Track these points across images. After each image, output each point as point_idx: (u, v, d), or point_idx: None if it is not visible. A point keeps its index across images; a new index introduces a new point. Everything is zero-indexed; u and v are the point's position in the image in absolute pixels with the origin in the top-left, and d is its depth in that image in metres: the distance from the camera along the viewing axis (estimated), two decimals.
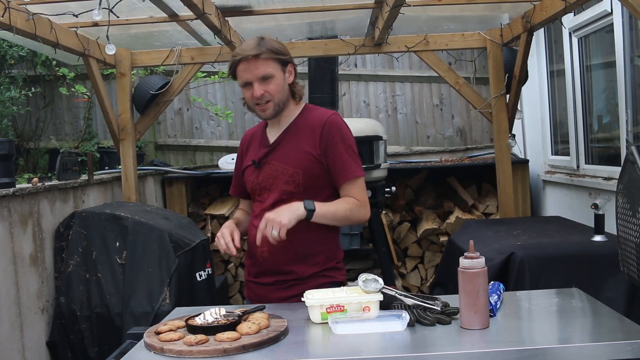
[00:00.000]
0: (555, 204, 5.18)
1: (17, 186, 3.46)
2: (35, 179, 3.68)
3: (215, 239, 2.48)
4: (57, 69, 6.18)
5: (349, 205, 2.47)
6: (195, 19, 3.57)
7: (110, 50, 3.31)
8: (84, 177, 4.30)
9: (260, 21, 4.30)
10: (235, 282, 5.83)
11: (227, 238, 2.42)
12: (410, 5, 3.43)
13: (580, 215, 4.34)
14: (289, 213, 2.32)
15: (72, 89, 6.16)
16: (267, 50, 2.42)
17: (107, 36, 3.40)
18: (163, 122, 7.04)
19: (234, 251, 2.41)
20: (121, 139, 4.59)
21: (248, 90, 2.47)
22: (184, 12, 3.67)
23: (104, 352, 3.54)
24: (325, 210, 2.41)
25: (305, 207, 2.36)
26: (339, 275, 2.58)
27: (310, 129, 2.50)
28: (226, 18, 4.04)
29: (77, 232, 3.72)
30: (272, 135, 2.59)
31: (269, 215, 2.31)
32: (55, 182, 3.88)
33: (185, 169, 6.17)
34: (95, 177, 4.43)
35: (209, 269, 3.96)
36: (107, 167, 5.76)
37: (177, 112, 7.03)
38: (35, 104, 6.66)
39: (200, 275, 3.85)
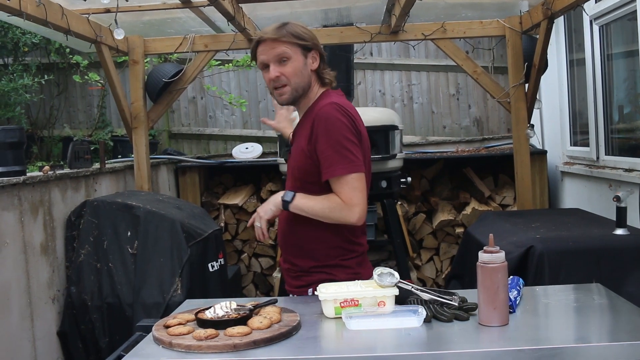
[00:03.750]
0: (573, 196, 5.08)
1: (28, 174, 3.43)
2: (47, 167, 3.64)
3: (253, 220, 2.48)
4: (71, 56, 6.14)
5: (329, 203, 2.31)
6: (208, 5, 3.50)
7: (119, 34, 3.26)
8: (96, 165, 4.26)
9: (275, 8, 4.23)
10: (248, 272, 5.78)
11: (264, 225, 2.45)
12: None
13: (599, 208, 4.24)
14: (268, 203, 2.41)
15: (86, 77, 6.13)
16: (287, 34, 2.34)
17: (115, 20, 3.34)
18: (177, 110, 7.00)
19: (268, 241, 2.44)
20: (134, 127, 4.54)
21: (266, 73, 2.40)
22: None
23: (114, 343, 3.51)
24: (302, 204, 2.35)
25: (281, 197, 2.38)
26: (339, 273, 2.40)
27: (309, 121, 2.38)
28: (240, 5, 3.97)
29: (89, 221, 3.68)
30: (297, 122, 2.55)
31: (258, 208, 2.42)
32: (66, 170, 3.84)
33: (198, 157, 6.12)
34: (107, 165, 4.40)
35: (222, 260, 3.92)
36: (119, 156, 5.72)
37: (191, 100, 6.98)
38: (50, 92, 6.64)
39: (213, 266, 3.81)
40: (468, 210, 5.44)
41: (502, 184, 5.68)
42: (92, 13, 3.78)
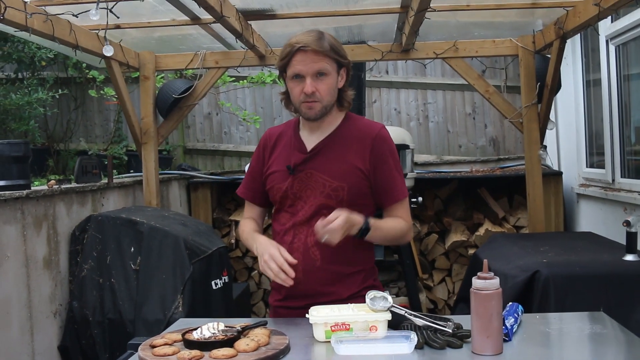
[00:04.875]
0: (589, 218, 4.98)
1: (33, 188, 3.43)
2: (52, 182, 3.65)
3: (261, 264, 2.20)
4: (87, 71, 6.20)
5: (400, 226, 2.34)
6: (214, 22, 3.49)
7: (108, 51, 3.26)
8: (105, 180, 4.26)
9: (285, 25, 4.22)
10: (258, 290, 5.74)
11: (282, 262, 2.15)
12: (435, 10, 3.31)
13: (614, 232, 4.14)
14: (346, 230, 2.15)
15: (101, 92, 6.17)
16: (329, 48, 2.22)
17: (104, 37, 3.35)
18: (192, 126, 7.03)
19: (290, 281, 2.16)
20: (143, 142, 4.55)
21: (297, 84, 2.24)
22: (206, 15, 3.60)
23: (115, 359, 3.48)
24: (375, 235, 2.26)
25: (360, 230, 2.20)
26: None
27: (359, 141, 2.30)
28: (249, 22, 3.96)
29: (92, 236, 3.67)
30: (310, 141, 2.35)
31: (337, 221, 2.10)
32: (73, 184, 3.84)
33: (211, 174, 6.12)
34: (116, 180, 4.40)
35: (226, 277, 3.88)
36: (132, 170, 5.74)
37: (206, 116, 7.00)
38: (67, 106, 6.70)
39: (216, 284, 3.77)
40: (481, 231, 5.36)
41: (517, 205, 5.59)
42: (102, 29, 3.80)
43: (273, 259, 2.15)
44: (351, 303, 2.15)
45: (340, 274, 2.31)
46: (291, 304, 2.34)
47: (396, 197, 2.34)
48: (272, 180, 2.37)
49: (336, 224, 2.10)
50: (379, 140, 2.30)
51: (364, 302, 2.07)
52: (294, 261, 2.17)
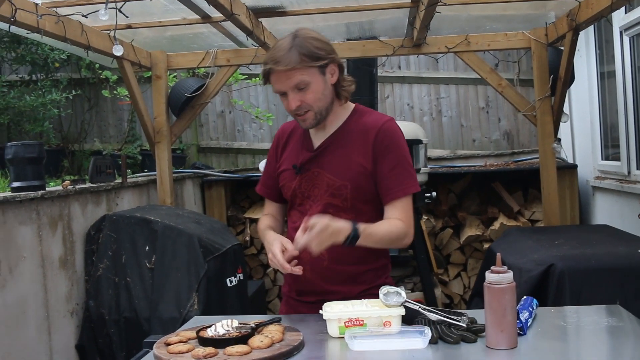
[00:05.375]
0: (605, 211, 4.94)
1: (48, 189, 3.46)
2: (67, 182, 3.67)
3: (269, 259, 2.19)
4: (100, 72, 6.24)
5: (396, 230, 2.19)
6: (225, 20, 3.50)
7: (118, 51, 3.28)
8: (119, 180, 4.29)
9: (296, 22, 4.20)
10: (274, 287, 5.75)
11: (284, 265, 2.12)
12: (446, 4, 3.29)
13: (630, 225, 4.11)
14: (330, 238, 2.06)
15: (115, 92, 6.21)
16: (299, 59, 2.09)
17: (114, 37, 3.36)
18: (206, 124, 7.05)
19: (299, 271, 2.14)
20: (157, 141, 4.57)
21: (284, 99, 2.19)
22: (216, 13, 3.61)
23: (131, 357, 3.49)
24: (367, 241, 2.13)
25: (347, 238, 2.08)
26: None
27: (363, 137, 2.22)
28: (259, 19, 3.96)
29: (107, 236, 3.70)
30: (317, 138, 2.30)
31: (314, 229, 2.03)
32: (87, 184, 3.87)
33: (225, 171, 6.13)
34: (130, 179, 4.42)
35: (241, 275, 3.89)
36: (146, 170, 5.76)
37: (219, 114, 7.02)
38: (81, 107, 6.75)
39: (231, 281, 3.78)
40: (496, 225, 5.33)
41: (532, 198, 5.56)
42: (113, 29, 3.81)
43: (276, 258, 2.13)
44: (364, 298, 2.13)
45: (349, 274, 2.27)
46: (303, 299, 2.34)
47: (393, 195, 2.20)
48: (283, 178, 2.36)
49: (313, 232, 2.02)
50: (381, 134, 2.20)
51: (377, 297, 2.05)
52: (294, 253, 2.13)
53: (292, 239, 2.21)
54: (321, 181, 2.25)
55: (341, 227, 2.07)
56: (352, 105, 2.34)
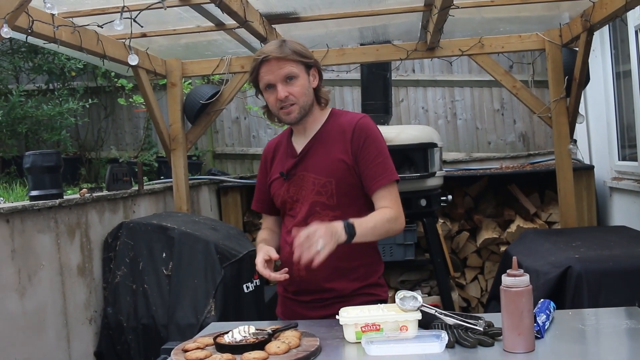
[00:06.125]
0: (622, 212, 4.90)
1: (65, 197, 3.49)
2: (84, 190, 3.71)
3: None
4: (116, 80, 6.29)
5: (386, 218, 2.27)
6: (238, 27, 3.52)
7: (133, 60, 3.32)
8: (136, 187, 4.32)
9: (309, 28, 4.23)
10: None
11: (264, 272, 2.24)
12: (458, 7, 3.29)
13: None
14: (332, 240, 2.10)
15: (130, 100, 6.25)
16: (290, 52, 2.29)
17: (129, 45, 3.40)
18: (221, 130, 7.08)
19: (281, 277, 2.27)
20: (172, 149, 4.59)
21: (271, 94, 2.32)
22: (230, 20, 3.63)
23: None
24: (364, 231, 2.19)
25: (346, 233, 2.14)
26: (382, 292, 2.43)
27: (341, 135, 2.35)
28: (273, 26, 3.98)
29: (125, 243, 3.72)
30: (299, 144, 2.43)
31: (309, 236, 2.07)
32: (104, 192, 3.90)
33: (241, 177, 6.16)
34: (146, 187, 4.45)
35: (257, 281, 3.90)
36: (162, 177, 5.80)
37: (234, 120, 7.05)
38: (97, 115, 6.80)
39: (248, 287, 3.79)
40: (513, 228, 5.31)
41: (549, 200, 5.53)
42: (128, 38, 3.85)
43: (257, 267, 2.27)
44: (355, 299, 2.26)
45: (339, 269, 2.32)
46: (299, 298, 2.42)
47: (379, 182, 2.30)
48: (273, 188, 2.47)
49: (299, 241, 2.07)
50: (357, 129, 2.33)
51: (368, 299, 2.17)
52: (275, 257, 2.28)
53: (285, 242, 2.39)
54: (307, 182, 2.36)
55: (334, 224, 2.15)
56: (329, 109, 2.47)
